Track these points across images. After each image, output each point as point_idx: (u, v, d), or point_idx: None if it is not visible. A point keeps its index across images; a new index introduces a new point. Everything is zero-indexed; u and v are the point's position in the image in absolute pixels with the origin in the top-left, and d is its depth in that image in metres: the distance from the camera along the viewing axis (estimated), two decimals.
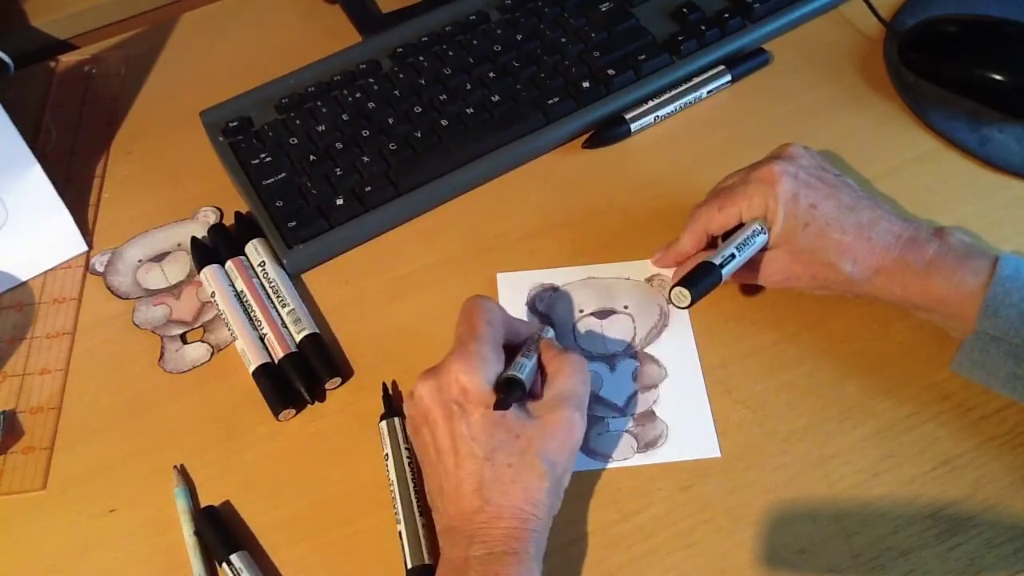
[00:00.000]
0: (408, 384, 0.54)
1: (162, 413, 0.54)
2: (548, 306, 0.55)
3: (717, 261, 0.49)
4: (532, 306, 0.56)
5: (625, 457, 0.50)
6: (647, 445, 0.50)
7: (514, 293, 0.56)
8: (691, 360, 0.53)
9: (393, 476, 0.49)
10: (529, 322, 0.53)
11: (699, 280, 0.49)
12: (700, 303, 0.50)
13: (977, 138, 0.60)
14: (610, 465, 0.50)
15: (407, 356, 0.55)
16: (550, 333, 0.52)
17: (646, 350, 0.54)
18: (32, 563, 0.50)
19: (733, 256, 0.50)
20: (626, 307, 0.55)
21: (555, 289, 0.56)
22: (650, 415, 0.51)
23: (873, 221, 0.49)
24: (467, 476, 0.44)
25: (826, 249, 0.49)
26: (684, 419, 0.51)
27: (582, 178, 0.62)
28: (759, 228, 0.50)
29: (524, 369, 0.46)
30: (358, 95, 0.65)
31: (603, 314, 0.55)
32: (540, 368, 0.48)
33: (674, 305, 0.50)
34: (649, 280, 0.56)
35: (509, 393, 0.45)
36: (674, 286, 0.49)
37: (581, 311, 0.55)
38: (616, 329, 0.55)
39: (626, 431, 0.51)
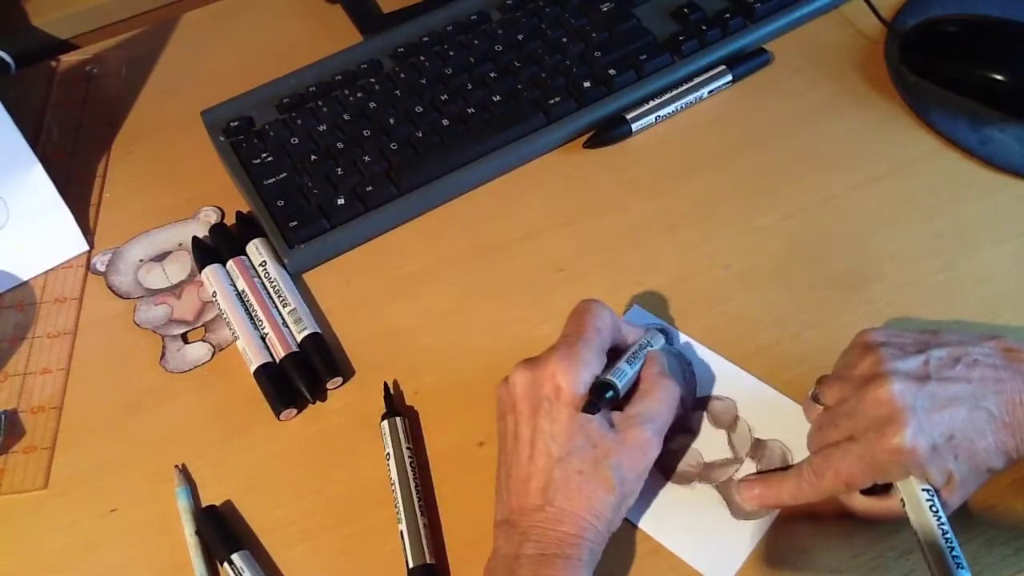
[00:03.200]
0: (409, 383, 0.54)
1: (163, 413, 0.54)
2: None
3: None
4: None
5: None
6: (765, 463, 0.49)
7: None
8: (738, 375, 0.52)
9: (395, 475, 0.49)
10: (641, 327, 0.51)
11: None
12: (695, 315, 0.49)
13: (978, 138, 0.60)
14: (776, 511, 0.48)
15: (408, 356, 0.55)
16: (660, 341, 0.50)
17: (698, 396, 0.52)
18: (33, 563, 0.50)
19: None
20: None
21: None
22: (760, 444, 0.49)
23: (989, 394, 0.43)
24: (537, 472, 0.44)
25: (979, 461, 0.43)
26: (786, 425, 0.49)
27: (583, 178, 0.62)
28: (933, 503, 0.43)
29: (623, 376, 0.46)
30: (359, 95, 0.65)
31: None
32: (636, 380, 0.47)
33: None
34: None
35: (600, 397, 0.44)
36: None
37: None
38: None
39: (758, 472, 0.49)
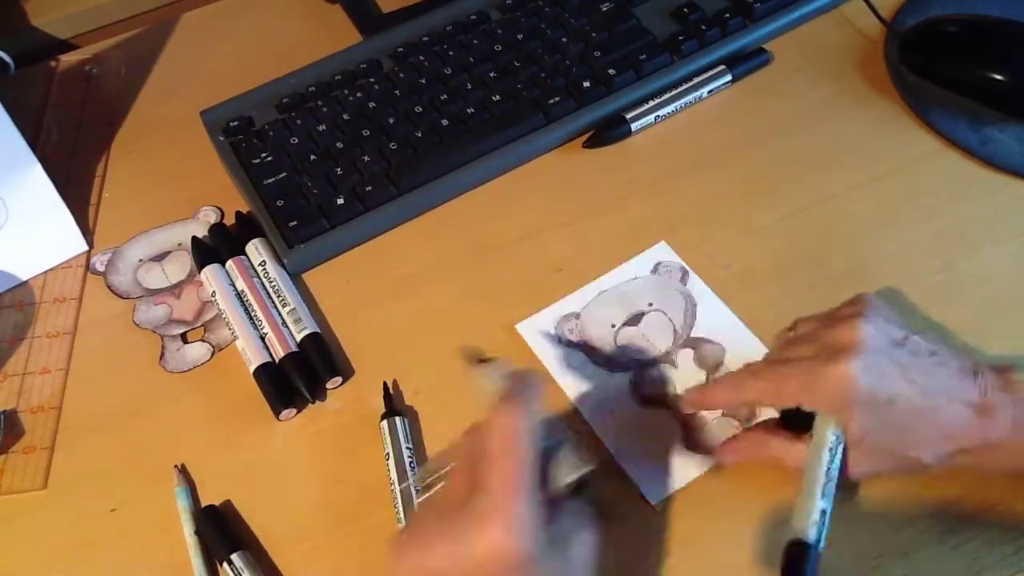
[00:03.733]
0: (409, 383, 0.54)
1: (163, 412, 0.54)
2: (580, 334, 0.55)
3: (812, 538, 0.41)
4: (564, 341, 0.54)
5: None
6: (747, 419, 0.50)
7: (539, 337, 0.55)
8: (737, 327, 0.53)
9: (394, 475, 0.49)
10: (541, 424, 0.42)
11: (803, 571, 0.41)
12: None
13: (977, 138, 0.60)
14: None
15: (408, 355, 0.55)
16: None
17: (692, 335, 0.54)
18: (32, 563, 0.50)
19: (822, 515, 0.42)
20: (651, 304, 0.55)
21: (576, 316, 0.55)
22: None
23: (945, 401, 0.43)
24: None
25: (905, 444, 0.43)
26: None
27: (583, 178, 0.62)
28: (829, 454, 0.43)
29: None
30: (359, 95, 0.65)
31: (635, 320, 0.55)
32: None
33: None
34: (655, 270, 0.56)
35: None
36: None
37: (613, 325, 0.55)
38: (654, 328, 0.54)
39: (723, 415, 0.50)
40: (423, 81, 0.65)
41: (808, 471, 0.43)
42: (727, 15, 0.66)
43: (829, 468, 0.43)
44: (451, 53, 0.67)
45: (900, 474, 0.45)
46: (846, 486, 0.44)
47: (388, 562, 0.39)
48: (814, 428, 0.44)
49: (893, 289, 0.54)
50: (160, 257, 0.62)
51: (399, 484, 0.49)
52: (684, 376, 0.52)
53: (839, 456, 0.43)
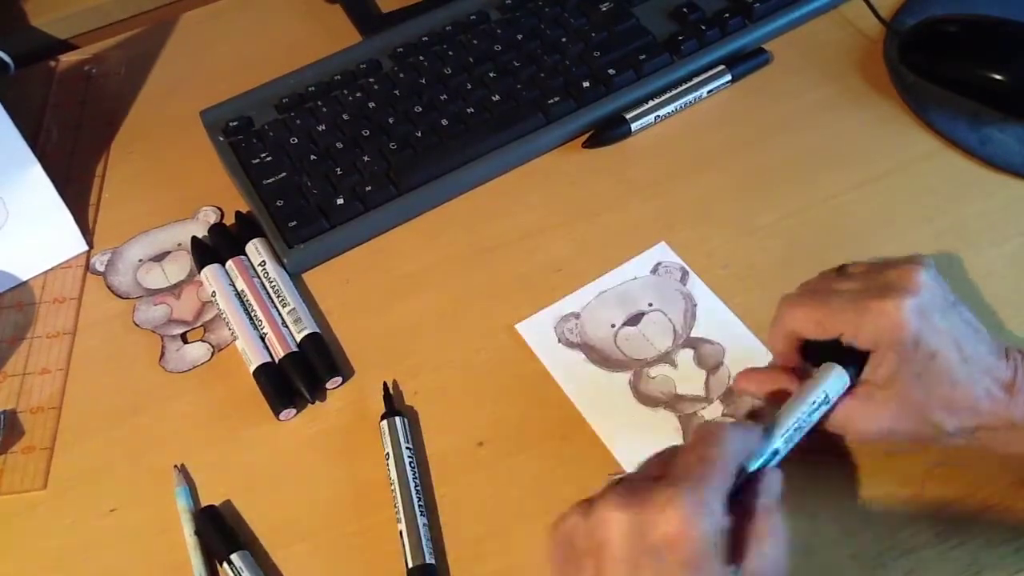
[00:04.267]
0: (409, 383, 0.54)
1: (162, 413, 0.54)
2: (580, 334, 0.55)
3: (751, 468, 0.41)
4: (564, 341, 0.54)
5: None
6: (747, 419, 0.50)
7: (540, 338, 0.55)
8: (737, 326, 0.53)
9: (394, 475, 0.49)
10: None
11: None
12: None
13: (977, 138, 0.60)
14: None
15: (408, 355, 0.55)
16: (775, 483, 0.41)
17: (692, 335, 0.54)
18: (32, 563, 0.50)
19: (775, 454, 0.42)
20: (651, 304, 0.55)
21: (576, 316, 0.55)
22: (733, 392, 0.51)
23: (980, 372, 0.42)
24: None
25: (931, 408, 0.42)
26: None
27: (582, 178, 0.62)
28: (831, 393, 0.43)
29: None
30: (358, 95, 0.65)
31: (634, 320, 0.55)
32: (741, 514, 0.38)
33: None
34: (654, 271, 0.56)
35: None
36: None
37: (613, 326, 0.55)
38: (654, 328, 0.54)
39: (723, 415, 0.50)
40: (423, 81, 0.65)
41: (784, 411, 0.42)
42: (727, 15, 0.66)
43: (804, 417, 0.42)
44: (451, 53, 0.67)
45: (912, 441, 0.44)
46: (849, 452, 0.44)
47: (558, 521, 0.38)
48: (818, 372, 0.43)
49: None
50: (160, 257, 0.62)
51: (399, 484, 0.48)
52: (684, 376, 0.52)
53: (819, 412, 0.43)
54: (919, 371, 0.41)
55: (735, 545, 0.37)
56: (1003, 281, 0.54)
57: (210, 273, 0.59)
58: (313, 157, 0.62)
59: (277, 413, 0.53)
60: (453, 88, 0.65)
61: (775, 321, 0.46)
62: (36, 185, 0.62)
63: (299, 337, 0.55)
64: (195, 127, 0.65)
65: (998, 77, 0.59)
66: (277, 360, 0.54)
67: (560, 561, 0.38)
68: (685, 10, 0.67)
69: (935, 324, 0.41)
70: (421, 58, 0.67)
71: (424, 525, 0.47)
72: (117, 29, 0.76)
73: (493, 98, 0.64)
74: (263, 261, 0.59)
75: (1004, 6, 0.64)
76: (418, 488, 0.49)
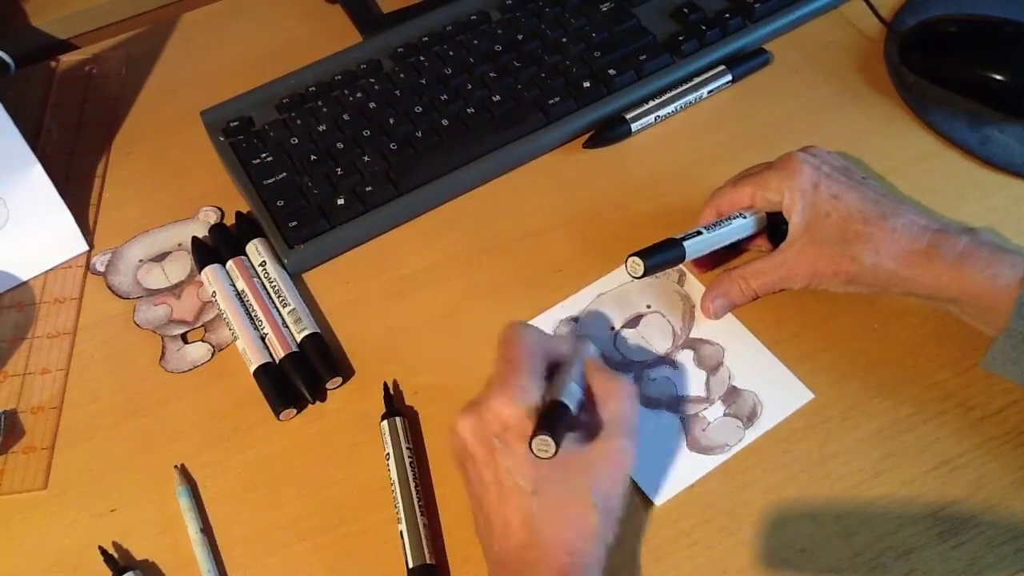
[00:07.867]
0: (409, 383, 0.54)
1: (163, 413, 0.54)
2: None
3: (679, 235, 0.51)
4: None
5: (739, 439, 0.50)
6: (749, 419, 0.50)
7: None
8: (736, 327, 0.54)
9: (394, 475, 0.49)
10: (568, 338, 0.52)
11: (656, 252, 0.50)
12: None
13: (977, 138, 0.60)
14: (729, 454, 0.49)
15: (408, 355, 0.55)
16: (592, 349, 0.50)
17: (691, 336, 0.54)
18: (33, 563, 0.50)
19: (698, 233, 0.51)
20: (649, 306, 0.55)
21: (575, 319, 0.55)
22: (734, 391, 0.51)
23: (898, 213, 0.49)
24: (513, 511, 0.42)
25: (848, 240, 0.48)
26: (766, 381, 0.51)
27: (582, 178, 0.62)
28: (741, 215, 0.52)
29: (570, 394, 0.44)
30: (359, 95, 0.65)
31: (634, 321, 0.55)
32: (587, 391, 0.46)
33: (629, 275, 0.50)
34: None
35: (555, 421, 0.42)
36: (631, 255, 0.50)
37: (612, 328, 0.55)
38: (653, 329, 0.54)
39: (725, 415, 0.51)
40: (423, 81, 0.65)
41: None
42: (727, 15, 0.66)
43: (733, 222, 0.52)
44: (451, 53, 0.67)
45: (848, 287, 0.50)
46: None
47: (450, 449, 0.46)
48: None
49: None
50: (160, 257, 0.62)
51: (399, 484, 0.48)
52: (684, 377, 0.52)
53: (737, 221, 0.52)
54: (826, 211, 0.49)
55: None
56: None
57: (210, 273, 0.59)
58: (313, 157, 0.62)
59: (277, 413, 0.53)
60: (453, 88, 0.65)
61: (704, 206, 0.54)
62: (36, 185, 0.62)
63: (299, 337, 0.55)
64: (195, 127, 0.65)
65: (998, 77, 0.59)
66: (277, 360, 0.54)
67: (457, 468, 0.46)
68: (685, 10, 0.67)
69: (831, 174, 0.50)
70: (421, 58, 0.67)
71: (424, 525, 0.48)
72: (117, 29, 0.77)
73: (493, 98, 0.64)
74: (263, 261, 0.59)
75: (1004, 6, 0.64)
76: (418, 488, 0.49)
